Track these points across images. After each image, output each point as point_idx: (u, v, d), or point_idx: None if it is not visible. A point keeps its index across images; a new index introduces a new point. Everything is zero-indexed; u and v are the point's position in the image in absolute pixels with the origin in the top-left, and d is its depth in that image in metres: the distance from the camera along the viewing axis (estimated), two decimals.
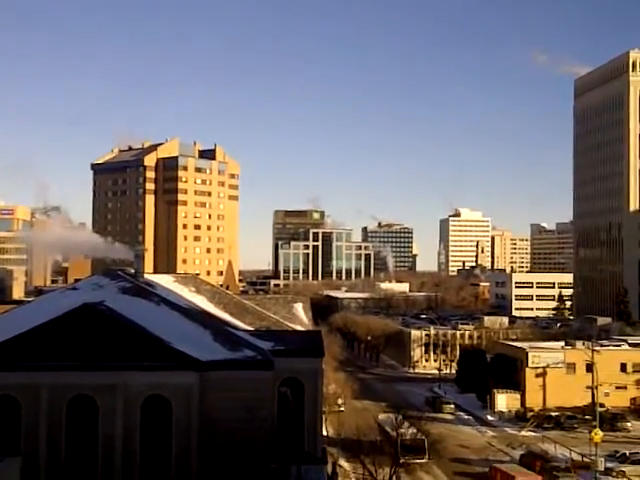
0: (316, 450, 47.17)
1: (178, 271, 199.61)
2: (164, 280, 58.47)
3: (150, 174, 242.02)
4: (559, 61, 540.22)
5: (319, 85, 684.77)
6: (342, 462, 67.01)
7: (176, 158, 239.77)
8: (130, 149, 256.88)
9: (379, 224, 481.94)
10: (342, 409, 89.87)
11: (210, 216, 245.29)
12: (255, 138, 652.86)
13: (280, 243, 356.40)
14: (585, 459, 70.68)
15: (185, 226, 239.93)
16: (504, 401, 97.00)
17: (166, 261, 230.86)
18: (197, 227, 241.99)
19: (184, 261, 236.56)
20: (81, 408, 42.00)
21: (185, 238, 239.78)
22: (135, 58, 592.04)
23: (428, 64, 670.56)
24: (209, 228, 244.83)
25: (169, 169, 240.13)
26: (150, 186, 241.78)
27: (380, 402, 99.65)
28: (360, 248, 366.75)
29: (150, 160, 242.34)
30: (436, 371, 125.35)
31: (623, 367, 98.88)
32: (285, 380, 43.84)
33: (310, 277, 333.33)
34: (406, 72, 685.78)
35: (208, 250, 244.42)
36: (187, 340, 44.37)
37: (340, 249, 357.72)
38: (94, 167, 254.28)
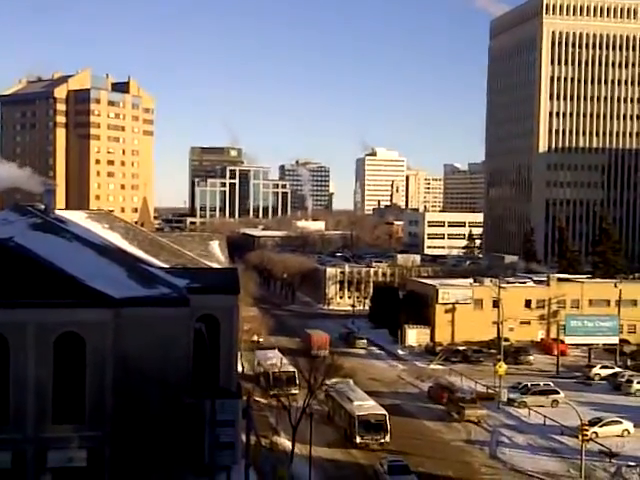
0: (231, 385, 48.03)
1: (91, 207, 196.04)
2: (76, 216, 57.45)
3: (61, 107, 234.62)
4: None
5: (236, 19, 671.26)
6: (257, 396, 68.29)
7: (88, 91, 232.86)
8: (39, 80, 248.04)
9: (296, 162, 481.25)
10: (261, 340, 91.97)
11: (124, 151, 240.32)
12: (170, 72, 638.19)
13: (197, 180, 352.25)
14: (489, 390, 73.95)
15: (98, 161, 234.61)
16: (414, 336, 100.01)
17: (78, 197, 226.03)
18: (110, 162, 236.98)
19: (97, 197, 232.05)
20: None
21: (98, 174, 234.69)
22: None
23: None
24: (123, 164, 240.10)
25: (81, 102, 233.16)
26: (61, 119, 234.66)
27: (294, 338, 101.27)
28: (277, 186, 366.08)
29: (61, 92, 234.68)
30: (350, 307, 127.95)
31: (527, 303, 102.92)
32: (201, 317, 44.13)
33: (227, 215, 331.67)
34: (322, 6, 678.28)
35: (122, 186, 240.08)
36: (100, 277, 44.09)
37: (257, 187, 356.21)
38: (1, 99, 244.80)
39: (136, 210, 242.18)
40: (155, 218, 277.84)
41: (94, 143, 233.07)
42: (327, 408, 64.31)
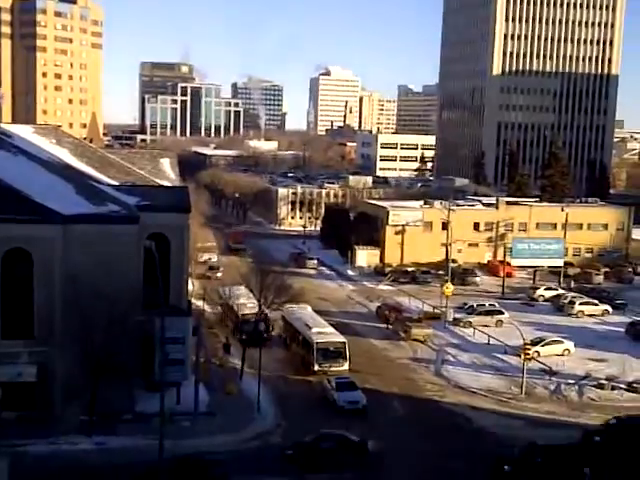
0: (181, 303, 48.29)
1: (38, 122, 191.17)
2: (23, 131, 56.25)
3: (6, 16, 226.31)
4: None
5: None
6: (208, 314, 68.79)
7: (34, 0, 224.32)
8: None
9: (249, 79, 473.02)
10: (219, 275, 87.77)
11: (72, 65, 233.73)
12: None
13: (147, 97, 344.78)
14: (436, 310, 75.47)
15: (45, 74, 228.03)
16: (364, 257, 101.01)
17: (25, 111, 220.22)
18: (58, 76, 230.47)
19: (44, 112, 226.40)
20: None
21: (45, 87, 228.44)
22: None
23: None
24: (71, 78, 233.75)
25: (26, 12, 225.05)
26: (6, 30, 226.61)
27: (246, 258, 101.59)
28: (229, 104, 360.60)
29: (5, 1, 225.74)
30: (301, 228, 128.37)
31: (476, 226, 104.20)
32: (151, 236, 43.96)
33: (178, 133, 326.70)
34: None
35: (70, 101, 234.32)
36: (48, 193, 43.47)
37: (209, 105, 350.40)
38: None
39: (85, 126, 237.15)
40: (104, 134, 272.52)
41: (41, 55, 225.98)
42: (284, 335, 63.45)
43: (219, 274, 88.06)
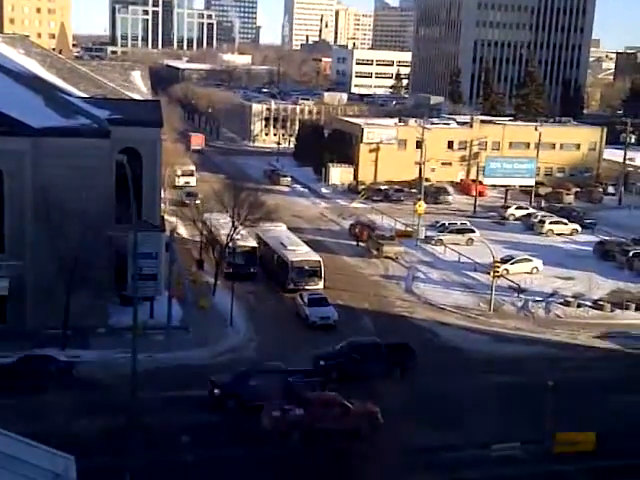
0: (154, 219, 48.24)
1: (5, 32, 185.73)
2: None
3: None
4: None
5: None
6: (181, 230, 68.81)
7: None
8: None
9: None
10: (197, 202, 76.84)
11: None
12: None
13: (117, 7, 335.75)
14: (408, 229, 76.05)
15: None
16: (338, 175, 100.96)
17: None
18: None
19: (11, 21, 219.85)
20: None
21: None
22: None
23: None
24: None
25: None
26: None
27: (219, 174, 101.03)
28: (202, 16, 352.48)
29: None
30: (275, 145, 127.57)
31: (450, 144, 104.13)
32: (123, 150, 43.51)
33: (150, 45, 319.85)
34: None
35: (38, 10, 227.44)
36: (17, 105, 42.69)
37: (182, 16, 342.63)
38: None
39: (53, 36, 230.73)
40: (74, 46, 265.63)
41: None
42: (259, 253, 61.58)
43: (198, 201, 78.48)
